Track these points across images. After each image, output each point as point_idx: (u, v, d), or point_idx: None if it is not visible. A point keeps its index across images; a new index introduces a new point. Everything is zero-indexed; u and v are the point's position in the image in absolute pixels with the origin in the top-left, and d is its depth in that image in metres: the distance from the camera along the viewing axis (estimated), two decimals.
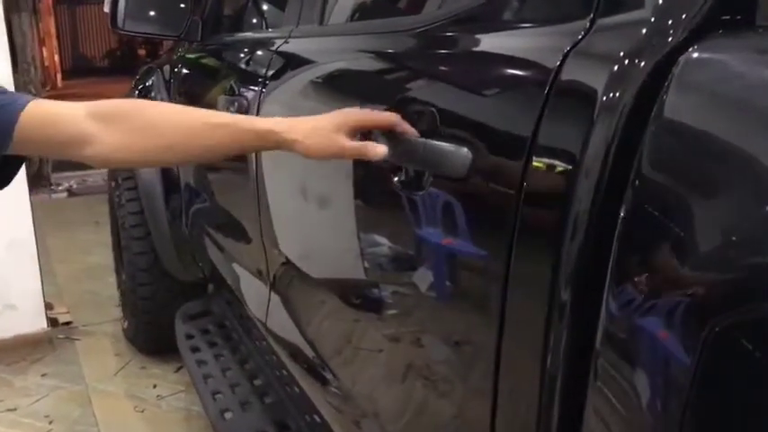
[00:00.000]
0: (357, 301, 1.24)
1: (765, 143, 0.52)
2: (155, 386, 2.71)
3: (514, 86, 0.86)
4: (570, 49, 0.73)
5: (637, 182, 0.60)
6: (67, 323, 3.19)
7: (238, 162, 1.70)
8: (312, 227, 1.40)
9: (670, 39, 0.62)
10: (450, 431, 0.95)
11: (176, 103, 2.45)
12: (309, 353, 1.44)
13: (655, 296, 0.56)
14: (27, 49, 6.90)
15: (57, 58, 14.58)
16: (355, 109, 1.02)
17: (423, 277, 0.98)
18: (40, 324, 3.01)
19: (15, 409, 2.56)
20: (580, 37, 0.74)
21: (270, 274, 1.65)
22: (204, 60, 2.35)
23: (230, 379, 2.02)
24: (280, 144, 1.02)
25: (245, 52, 1.98)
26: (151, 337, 2.85)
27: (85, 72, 16.81)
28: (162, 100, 2.63)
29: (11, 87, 2.83)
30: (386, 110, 1.02)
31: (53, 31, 14.69)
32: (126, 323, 3.03)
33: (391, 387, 1.12)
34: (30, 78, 7.01)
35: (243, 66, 1.94)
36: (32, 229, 2.94)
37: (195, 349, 2.24)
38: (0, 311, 2.92)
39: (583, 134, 0.67)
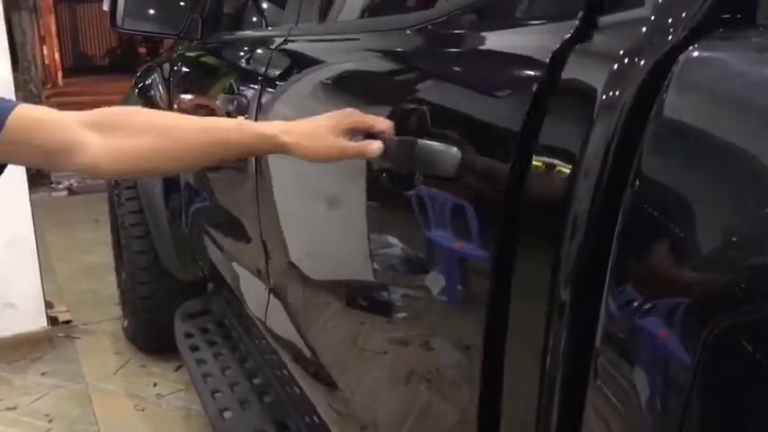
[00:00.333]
0: (355, 301, 1.24)
1: (766, 142, 0.51)
2: (154, 385, 2.71)
3: (514, 85, 0.86)
4: (570, 47, 0.73)
5: (636, 181, 0.60)
6: (67, 322, 3.19)
7: (238, 161, 1.70)
8: (311, 226, 1.40)
9: (670, 37, 0.62)
10: (449, 430, 0.95)
11: (176, 101, 2.45)
12: (308, 352, 1.44)
13: (654, 296, 0.56)
14: (27, 47, 6.90)
15: (57, 56, 14.57)
16: (350, 110, 1.02)
17: (421, 278, 0.98)
18: (40, 323, 3.01)
19: (15, 408, 2.56)
20: (580, 35, 0.73)
21: (269, 273, 1.65)
22: (204, 59, 2.35)
23: (229, 378, 2.02)
24: (277, 147, 1.02)
25: (244, 50, 1.98)
26: (151, 335, 2.85)
27: (86, 70, 16.81)
28: (162, 98, 2.63)
29: (11, 86, 2.84)
30: (381, 108, 1.02)
31: (53, 29, 14.68)
32: (126, 322, 3.03)
33: (389, 387, 1.12)
34: (30, 77, 7.02)
35: (242, 64, 1.94)
36: (32, 227, 2.94)
37: (195, 348, 2.24)
38: (0, 310, 2.92)
39: (582, 133, 0.66)
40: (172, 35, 2.47)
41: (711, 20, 0.62)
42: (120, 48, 17.95)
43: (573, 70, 0.72)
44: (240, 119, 1.04)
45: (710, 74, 0.60)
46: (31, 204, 2.92)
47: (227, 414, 1.86)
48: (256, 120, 1.57)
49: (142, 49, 16.12)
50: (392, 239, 1.06)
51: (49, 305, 3.10)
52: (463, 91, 0.95)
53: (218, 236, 2.13)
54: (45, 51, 12.31)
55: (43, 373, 2.81)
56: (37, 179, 5.11)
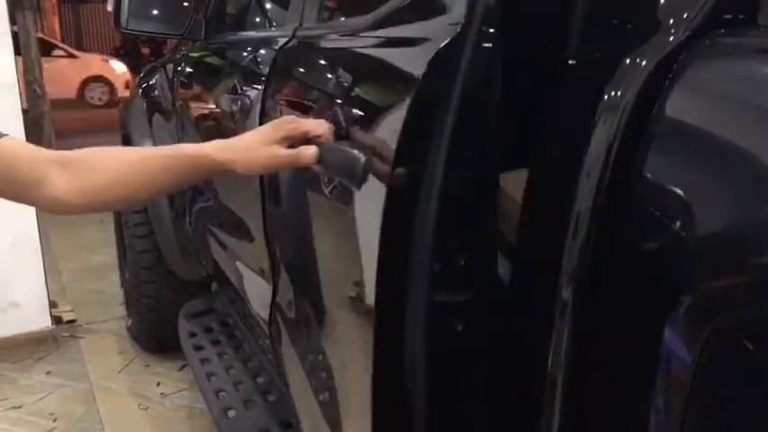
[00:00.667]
0: (359, 301, 1.24)
1: (765, 142, 0.52)
2: (158, 384, 2.72)
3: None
4: (572, 47, 0.74)
5: (638, 181, 0.60)
6: (71, 321, 3.20)
7: None
8: (315, 226, 1.40)
9: (672, 38, 0.62)
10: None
11: (180, 101, 2.45)
12: (310, 353, 1.44)
13: (656, 295, 0.56)
14: (31, 47, 6.91)
15: None
16: (287, 117, 1.06)
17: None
18: (45, 322, 3.02)
19: (20, 407, 2.57)
20: (582, 36, 0.74)
21: (272, 273, 1.66)
22: (207, 59, 2.36)
23: (233, 377, 2.03)
24: (215, 167, 1.04)
25: (248, 51, 1.98)
26: (155, 335, 2.86)
27: None
28: (165, 98, 2.64)
29: (15, 86, 2.85)
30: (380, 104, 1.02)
31: (57, 29, 14.71)
32: (130, 321, 3.04)
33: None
34: (34, 77, 7.04)
35: (246, 64, 1.94)
36: (37, 226, 2.95)
37: (198, 347, 2.25)
38: (5, 309, 2.93)
39: (584, 133, 0.67)
40: (175, 35, 2.48)
41: (713, 20, 0.62)
42: (123, 48, 17.98)
43: (574, 70, 0.72)
44: (182, 145, 1.08)
45: (712, 74, 0.60)
46: None
47: (231, 413, 1.87)
48: (261, 120, 1.58)
49: (146, 50, 16.14)
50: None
51: (53, 305, 3.11)
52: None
53: (222, 235, 2.14)
54: None
55: (48, 373, 2.82)
56: None
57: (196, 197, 2.38)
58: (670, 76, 0.60)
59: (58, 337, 3.09)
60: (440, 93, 0.78)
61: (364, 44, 1.16)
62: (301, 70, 1.53)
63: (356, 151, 0.90)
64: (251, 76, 1.80)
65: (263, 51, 1.82)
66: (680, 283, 0.54)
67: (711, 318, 0.51)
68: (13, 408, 2.57)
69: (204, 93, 2.24)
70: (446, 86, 0.78)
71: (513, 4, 0.80)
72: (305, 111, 1.31)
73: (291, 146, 1.03)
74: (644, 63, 0.63)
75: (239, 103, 1.73)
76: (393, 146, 0.82)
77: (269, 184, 1.55)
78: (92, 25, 19.47)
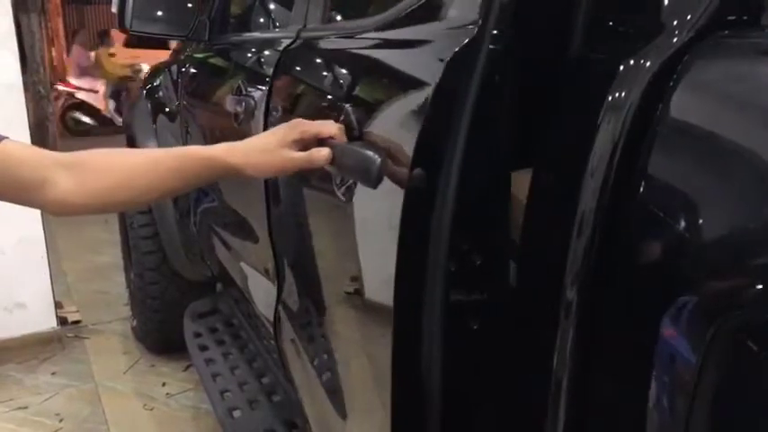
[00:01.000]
0: (363, 301, 1.24)
1: None
2: (164, 384, 2.72)
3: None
4: (576, 49, 0.74)
5: (642, 181, 0.60)
6: (77, 322, 3.21)
7: None
8: (319, 227, 1.41)
9: (675, 39, 0.62)
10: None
11: (185, 102, 2.46)
12: (314, 353, 1.44)
13: (660, 296, 0.57)
14: (36, 49, 6.93)
15: (65, 57, 14.62)
16: (296, 120, 1.04)
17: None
18: (50, 323, 3.03)
19: (26, 408, 2.58)
20: (586, 37, 0.74)
21: (277, 273, 1.66)
22: (211, 60, 2.36)
23: (238, 377, 2.03)
24: (227, 170, 1.04)
25: (252, 52, 1.99)
26: (160, 335, 2.87)
27: None
28: (170, 99, 2.65)
29: (20, 87, 2.86)
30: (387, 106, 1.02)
31: (62, 31, 14.74)
32: (135, 322, 3.05)
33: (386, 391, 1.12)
34: (39, 78, 7.05)
35: (250, 65, 1.95)
36: (42, 227, 2.96)
37: (203, 348, 2.25)
38: (10, 310, 2.94)
39: (589, 134, 0.67)
40: (180, 37, 2.49)
41: (717, 21, 0.62)
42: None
43: (578, 71, 0.73)
44: (191, 147, 1.07)
45: (716, 75, 0.61)
46: None
47: (237, 413, 1.87)
48: (265, 121, 1.58)
49: None
50: (379, 241, 1.07)
51: (58, 305, 3.12)
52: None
53: (227, 236, 2.14)
54: (53, 53, 12.36)
55: (53, 373, 2.83)
56: None
57: (201, 198, 2.38)
58: (674, 77, 0.60)
59: (64, 337, 3.10)
60: (457, 93, 0.78)
61: (377, 45, 1.16)
62: (306, 71, 1.54)
63: (371, 152, 0.89)
64: (255, 77, 1.80)
65: (267, 52, 1.82)
66: (684, 283, 0.55)
67: (715, 318, 0.51)
68: (19, 408, 2.58)
69: (208, 94, 2.24)
70: (463, 87, 0.78)
71: (528, 4, 0.80)
72: (310, 111, 1.31)
73: (303, 147, 1.03)
74: (648, 64, 0.64)
75: (243, 103, 1.73)
76: (410, 147, 0.82)
77: (273, 184, 1.56)
78: (97, 27, 19.50)
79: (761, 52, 0.60)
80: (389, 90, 1.04)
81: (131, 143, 2.83)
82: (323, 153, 1.01)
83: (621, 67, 0.66)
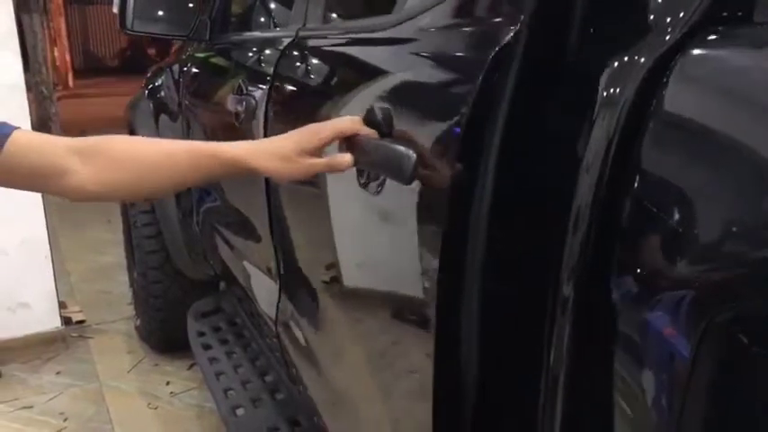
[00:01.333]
0: (364, 300, 1.25)
1: (762, 137, 0.52)
2: (168, 383, 2.73)
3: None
4: (570, 45, 0.74)
5: (636, 176, 0.60)
6: (81, 322, 3.22)
7: None
8: (321, 225, 1.41)
9: (668, 36, 0.63)
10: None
11: (186, 101, 2.47)
12: (316, 351, 1.45)
13: (654, 290, 0.57)
14: (38, 49, 6.96)
15: (68, 57, 14.65)
16: (314, 128, 1.03)
17: (428, 276, 0.99)
18: (54, 323, 3.04)
19: (31, 407, 2.59)
20: (581, 34, 0.75)
21: (279, 272, 1.67)
22: (213, 60, 2.37)
23: (242, 376, 2.04)
24: (248, 171, 1.03)
25: (253, 51, 2.00)
26: (163, 334, 2.88)
27: (96, 71, 16.91)
28: (171, 98, 2.65)
29: (23, 87, 2.87)
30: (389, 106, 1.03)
31: (64, 30, 14.76)
32: (138, 321, 3.06)
33: (397, 386, 1.13)
34: (42, 78, 7.08)
35: (251, 65, 1.95)
36: (46, 227, 2.97)
37: (207, 347, 2.26)
38: (14, 310, 2.95)
39: (584, 130, 0.67)
40: (181, 36, 2.49)
41: (710, 18, 0.62)
42: (129, 49, 18.04)
43: (573, 68, 0.73)
44: (211, 144, 1.07)
45: (709, 71, 0.61)
46: (44, 205, 2.95)
47: (240, 411, 1.88)
48: (266, 121, 1.59)
49: (152, 51, 16.17)
50: (398, 238, 1.07)
51: (62, 305, 3.13)
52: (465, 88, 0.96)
53: (229, 235, 2.15)
54: (56, 53, 12.38)
55: (58, 373, 2.84)
56: None
57: (203, 197, 2.39)
58: (668, 73, 0.61)
59: (68, 337, 3.11)
60: (498, 90, 0.78)
61: (421, 41, 1.14)
62: (305, 70, 1.54)
63: (404, 148, 0.89)
64: (255, 77, 1.81)
65: (267, 51, 1.83)
66: (677, 276, 0.55)
67: (709, 311, 0.51)
68: (24, 408, 2.59)
69: (210, 93, 2.25)
70: (503, 84, 0.78)
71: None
72: (310, 110, 1.32)
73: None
74: (642, 60, 0.64)
75: (244, 102, 1.74)
76: (452, 144, 0.82)
77: (274, 183, 1.56)
78: (98, 27, 19.53)
79: (754, 48, 0.60)
80: (417, 90, 1.03)
81: None
82: (346, 159, 1.00)
83: (616, 64, 0.66)
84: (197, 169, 1.05)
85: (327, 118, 1.12)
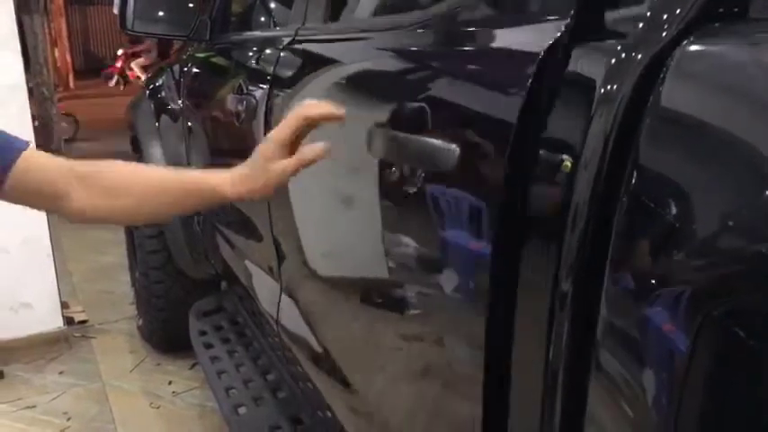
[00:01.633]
0: (366, 298, 1.25)
1: (759, 133, 0.53)
2: (170, 383, 2.74)
3: (516, 80, 0.87)
4: (569, 43, 0.75)
5: (634, 172, 0.61)
6: (83, 321, 3.23)
7: None
8: (322, 223, 1.42)
9: (665, 32, 0.63)
10: (458, 427, 0.96)
11: (187, 101, 2.47)
12: (319, 348, 1.45)
13: (652, 286, 0.57)
14: (39, 49, 6.96)
15: (68, 58, 14.66)
16: (275, 136, 1.02)
17: (429, 274, 0.99)
18: (56, 322, 3.05)
19: (34, 407, 2.60)
20: (579, 31, 0.75)
21: (280, 271, 1.67)
22: (213, 60, 2.37)
23: (243, 375, 2.05)
24: (231, 198, 1.05)
25: (253, 51, 2.00)
26: (165, 334, 2.89)
27: (97, 72, 16.89)
28: (172, 99, 2.66)
29: (24, 88, 2.87)
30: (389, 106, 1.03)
31: (64, 31, 14.77)
32: (140, 321, 3.07)
33: (400, 384, 1.13)
34: (42, 79, 7.08)
35: (251, 64, 1.96)
36: (47, 227, 2.97)
37: (209, 346, 2.27)
38: (17, 310, 2.96)
39: (582, 126, 0.68)
40: (181, 37, 2.50)
41: (706, 14, 0.63)
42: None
43: (573, 65, 0.73)
44: (199, 174, 1.09)
45: (705, 67, 0.61)
46: None
47: (242, 410, 1.89)
48: (266, 120, 1.60)
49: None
50: (400, 236, 1.07)
51: (64, 305, 3.13)
52: (466, 87, 0.96)
53: (230, 234, 2.15)
54: (56, 54, 12.39)
55: (60, 373, 2.85)
56: None
57: None
58: (665, 69, 0.61)
59: (70, 337, 3.12)
60: (543, 90, 0.77)
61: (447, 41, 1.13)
62: (304, 69, 1.55)
63: (443, 142, 0.88)
64: (255, 76, 1.81)
65: (267, 51, 1.83)
66: (674, 272, 0.55)
67: (706, 306, 0.52)
68: (28, 407, 2.60)
69: (210, 93, 2.25)
70: (550, 83, 0.76)
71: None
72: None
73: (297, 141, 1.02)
74: (639, 57, 0.64)
75: (245, 102, 1.74)
76: (502, 142, 0.80)
77: None
78: (99, 27, 19.54)
79: (750, 45, 0.60)
80: (417, 89, 1.02)
81: (135, 143, 2.85)
82: (316, 148, 1.00)
83: (613, 60, 0.67)
84: (184, 201, 1.09)
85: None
